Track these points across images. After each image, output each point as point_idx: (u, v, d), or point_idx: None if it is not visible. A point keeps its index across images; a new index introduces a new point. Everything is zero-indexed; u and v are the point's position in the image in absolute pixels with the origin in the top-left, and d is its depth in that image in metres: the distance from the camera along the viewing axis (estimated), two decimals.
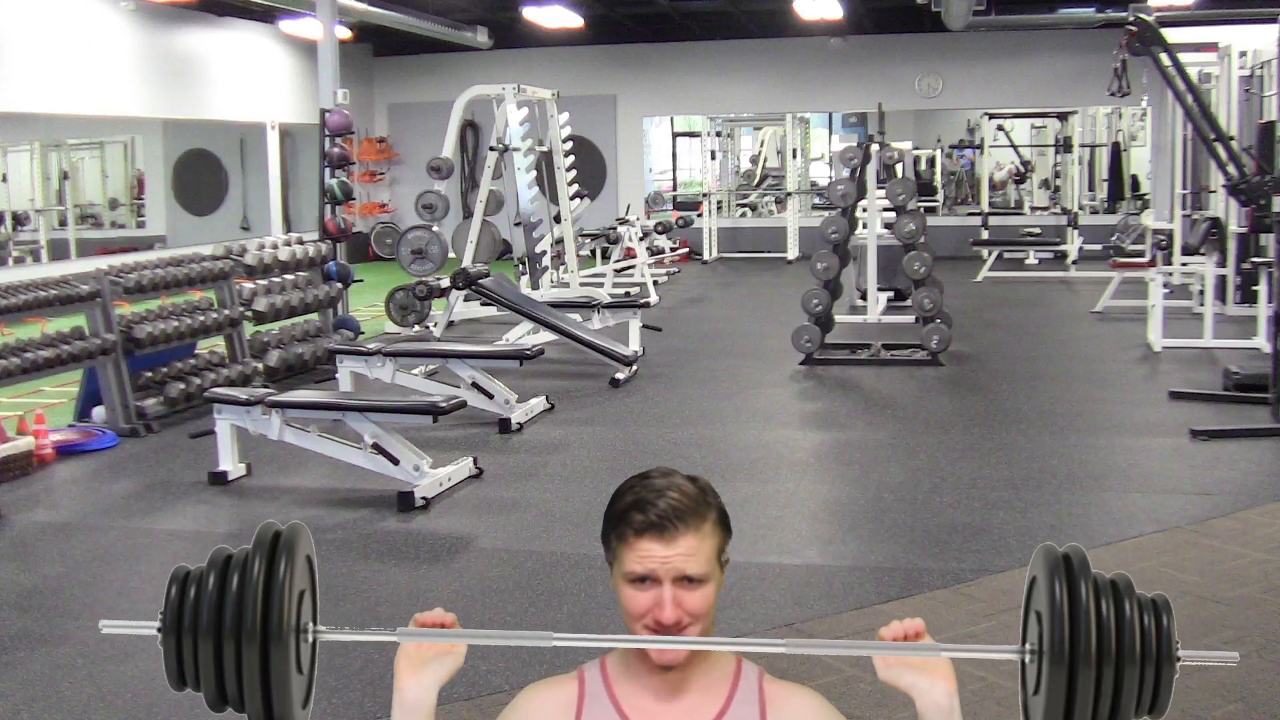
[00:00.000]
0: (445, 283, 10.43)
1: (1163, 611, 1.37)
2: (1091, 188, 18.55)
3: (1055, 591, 1.36)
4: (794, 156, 18.35)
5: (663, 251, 16.12)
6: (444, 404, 5.79)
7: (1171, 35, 8.56)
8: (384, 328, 10.73)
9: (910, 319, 9.48)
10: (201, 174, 15.95)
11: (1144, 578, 4.56)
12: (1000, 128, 18.33)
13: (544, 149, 12.42)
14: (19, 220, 13.45)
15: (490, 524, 5.47)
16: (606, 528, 1.59)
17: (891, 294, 11.14)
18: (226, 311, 8.22)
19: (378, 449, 5.62)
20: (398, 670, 1.57)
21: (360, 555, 5.03)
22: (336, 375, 7.54)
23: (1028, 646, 1.44)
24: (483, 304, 9.89)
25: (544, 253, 11.67)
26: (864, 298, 10.97)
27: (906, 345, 9.16)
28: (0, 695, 3.71)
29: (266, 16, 14.85)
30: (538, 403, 7.57)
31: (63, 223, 14.18)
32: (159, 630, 1.43)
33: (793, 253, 17.29)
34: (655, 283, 13.49)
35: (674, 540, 1.52)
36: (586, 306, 9.66)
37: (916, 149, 18.03)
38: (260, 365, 8.35)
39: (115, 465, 6.61)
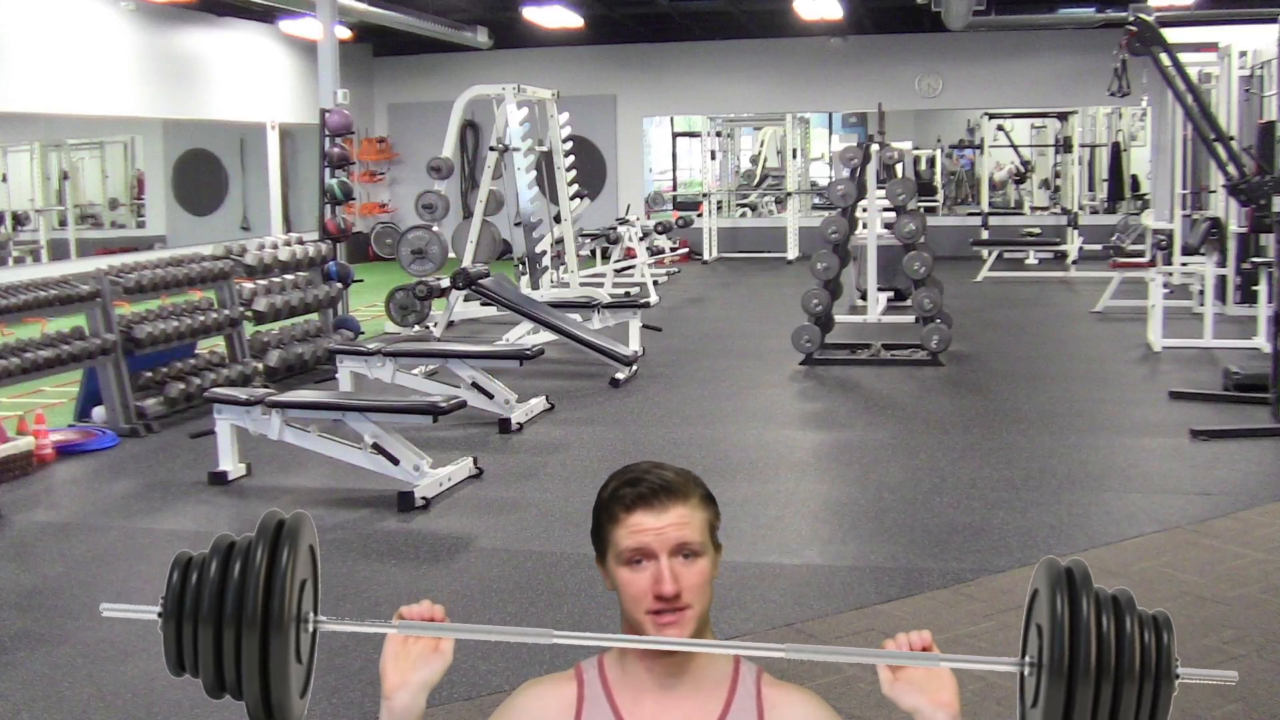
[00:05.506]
0: (445, 283, 10.43)
1: (1163, 628, 1.37)
2: (1091, 188, 18.54)
3: (1056, 606, 1.36)
4: (794, 156, 18.35)
5: (663, 251, 16.12)
6: (444, 404, 5.80)
7: (1171, 35, 8.56)
8: (384, 328, 10.72)
9: (910, 319, 9.48)
10: (201, 174, 15.95)
11: (1144, 578, 4.57)
12: (1000, 128, 18.32)
13: (544, 149, 12.42)
14: (19, 220, 13.44)
15: (490, 524, 5.47)
16: (596, 517, 1.60)
17: (891, 294, 11.13)
18: (226, 311, 8.22)
19: (378, 449, 5.62)
20: (384, 674, 1.53)
21: (360, 555, 5.03)
22: (336, 375, 7.55)
23: (1027, 659, 1.44)
24: (483, 304, 9.89)
25: (544, 253, 11.66)
26: (864, 298, 10.96)
27: (906, 345, 9.16)
28: (0, 695, 3.71)
29: (266, 16, 14.85)
30: (538, 403, 7.57)
31: (63, 223, 14.17)
32: (159, 615, 1.43)
33: (793, 253, 17.30)
34: (655, 283, 13.49)
35: (665, 510, 1.55)
36: (586, 306, 9.65)
37: (916, 149, 18.03)
38: (260, 365, 8.35)
39: (115, 465, 6.62)
